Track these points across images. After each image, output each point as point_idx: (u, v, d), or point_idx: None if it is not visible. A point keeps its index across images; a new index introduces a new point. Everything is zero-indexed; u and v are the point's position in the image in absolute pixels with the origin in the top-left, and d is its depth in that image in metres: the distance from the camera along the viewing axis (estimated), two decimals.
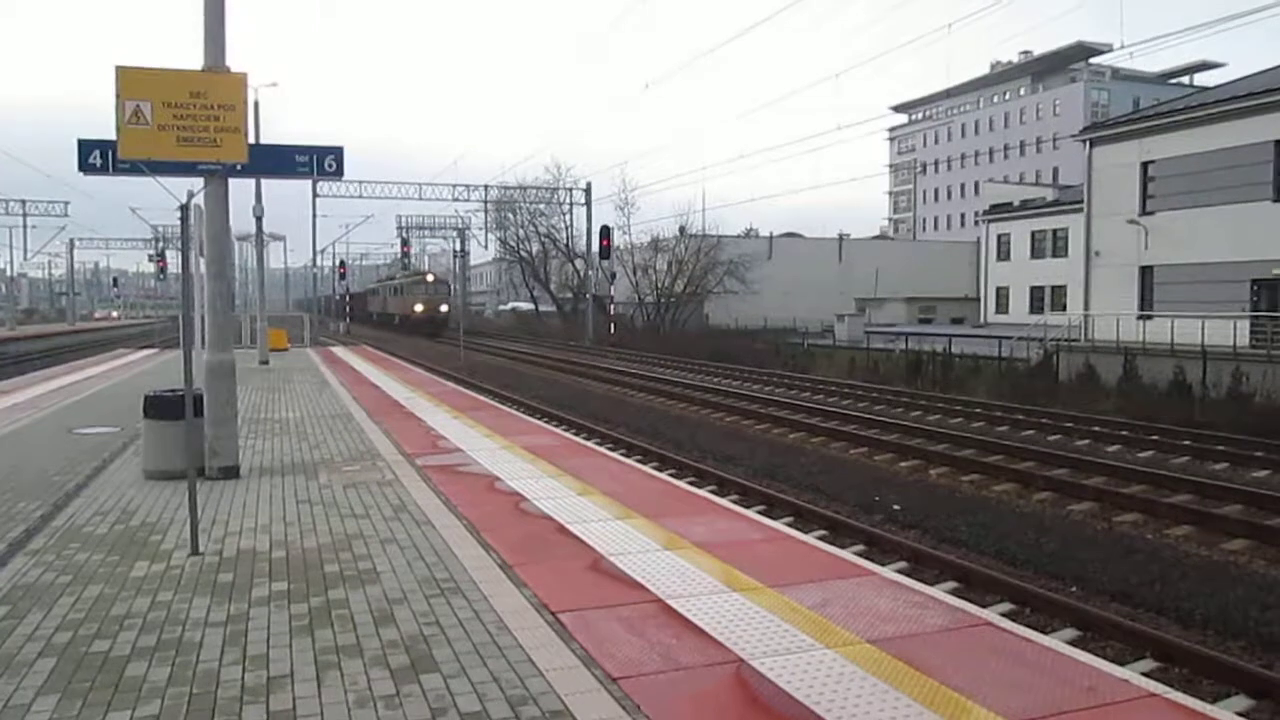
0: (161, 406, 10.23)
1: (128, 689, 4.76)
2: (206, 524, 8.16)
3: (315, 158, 12.30)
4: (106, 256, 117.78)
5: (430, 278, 71.42)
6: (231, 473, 10.46)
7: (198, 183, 10.29)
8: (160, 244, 76.86)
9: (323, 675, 4.93)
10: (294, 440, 13.44)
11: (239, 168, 10.35)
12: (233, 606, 6.05)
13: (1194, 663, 7.01)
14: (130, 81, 9.25)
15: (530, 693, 4.73)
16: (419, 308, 67.09)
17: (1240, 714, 5.72)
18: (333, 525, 8.28)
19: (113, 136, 9.41)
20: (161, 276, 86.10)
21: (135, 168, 9.55)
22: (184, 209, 7.72)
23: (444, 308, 67.90)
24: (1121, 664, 6.17)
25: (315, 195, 56.89)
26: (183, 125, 9.35)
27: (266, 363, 28.93)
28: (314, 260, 71.75)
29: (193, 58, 10.07)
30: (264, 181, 29.78)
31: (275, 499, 9.40)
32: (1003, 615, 6.97)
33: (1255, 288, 31.86)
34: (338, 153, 12.30)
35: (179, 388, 8.91)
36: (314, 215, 57.90)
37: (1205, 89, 50.02)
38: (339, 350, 39.65)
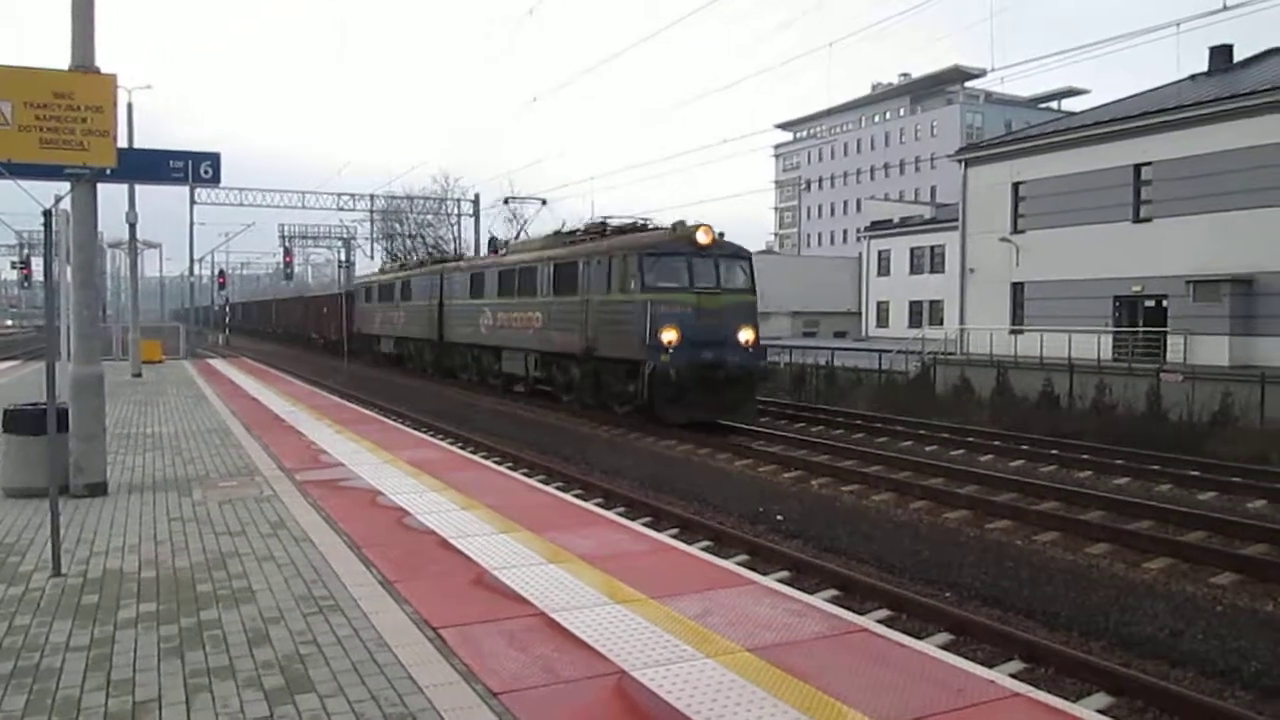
0: (22, 421, 9.79)
1: None
2: (70, 544, 7.82)
3: (191, 163, 11.95)
4: None
5: (704, 236, 20.72)
6: (99, 490, 10.05)
7: (64, 187, 9.88)
8: (25, 250, 73.36)
9: (192, 698, 4.78)
10: (167, 456, 12.99)
11: (109, 172, 9.95)
12: (97, 630, 5.81)
13: (1058, 663, 7.30)
14: None
15: (409, 710, 4.67)
16: (671, 336, 19.52)
17: (1100, 711, 5.97)
18: (206, 543, 8.03)
19: None
20: (26, 285, 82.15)
21: None
22: (48, 215, 7.41)
23: (747, 336, 20.55)
24: (990, 666, 6.40)
25: (193, 202, 54.99)
26: (46, 127, 8.94)
27: (139, 375, 27.95)
28: (191, 269, 69.44)
29: (60, 57, 9.69)
30: (140, 188, 28.81)
31: (145, 517, 9.06)
32: (879, 621, 7.16)
33: (1117, 304, 33.48)
34: (214, 159, 11.97)
35: (42, 401, 8.53)
36: (191, 223, 55.89)
37: (1072, 114, 52.43)
38: (217, 363, 38.46)
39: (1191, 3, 22.21)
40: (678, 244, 20.73)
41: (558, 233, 26.31)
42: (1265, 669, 7.23)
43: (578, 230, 25.40)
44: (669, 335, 19.36)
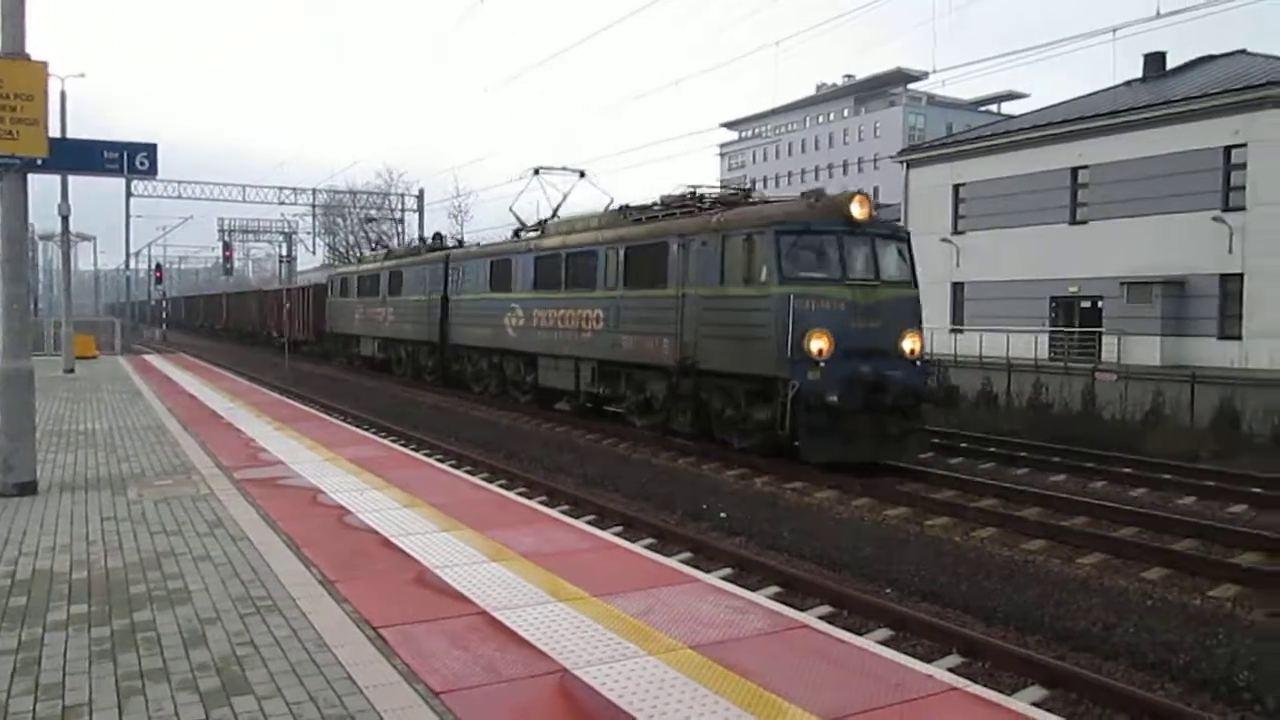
0: None
1: None
2: None
3: (125, 155, 11.68)
4: None
5: (860, 208, 15.32)
6: (29, 489, 9.81)
7: None
8: None
9: (125, 702, 4.68)
10: (101, 453, 12.71)
11: (39, 162, 9.72)
12: (25, 633, 5.67)
13: (995, 657, 7.42)
14: None
15: (349, 711, 4.62)
16: (821, 345, 14.43)
17: (1035, 704, 6.08)
18: (141, 543, 7.87)
19: None
20: None
21: None
22: None
23: (912, 344, 15.45)
24: (929, 660, 6.50)
25: (129, 194, 54.03)
26: None
27: (72, 371, 27.36)
28: (127, 263, 68.10)
29: None
30: (75, 179, 28.29)
31: (77, 516, 8.86)
32: (820, 618, 7.24)
33: (1054, 304, 34.17)
34: (150, 150, 11.71)
35: None
36: (127, 215, 54.91)
37: (1012, 117, 53.34)
38: (154, 359, 37.74)
39: (1127, 9, 22.75)
40: (825, 218, 15.34)
41: (624, 208, 20.74)
42: (1193, 661, 7.42)
43: (653, 204, 19.91)
44: (819, 343, 14.28)
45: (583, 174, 25.65)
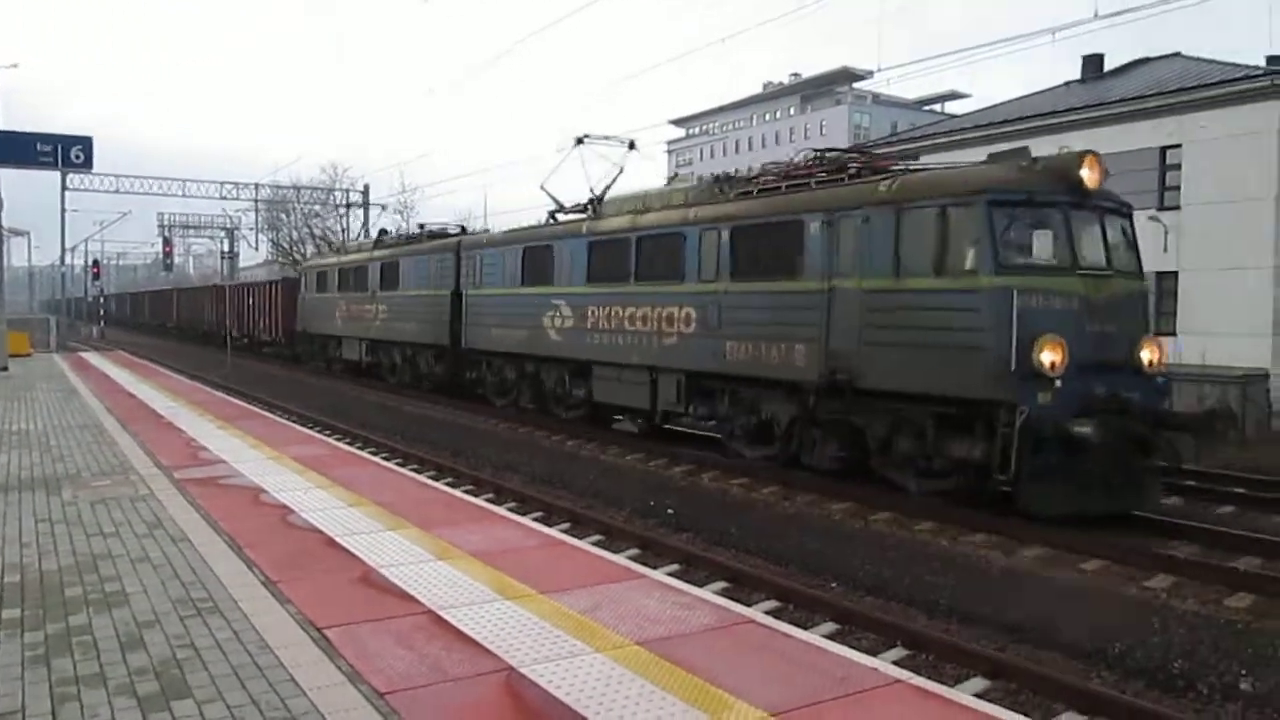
0: None
1: None
2: None
3: (60, 147, 11.49)
4: None
5: (1092, 172, 11.44)
6: None
7: None
8: None
9: (59, 709, 4.58)
10: (35, 453, 12.43)
11: None
12: None
13: (938, 649, 7.54)
14: None
15: (292, 713, 4.57)
16: (1053, 358, 10.65)
17: (977, 694, 6.18)
18: (77, 545, 7.71)
19: None
20: None
21: None
22: None
23: (1150, 353, 11.67)
24: (874, 654, 6.58)
25: (64, 188, 52.64)
26: None
27: (5, 369, 26.71)
28: (62, 259, 66.50)
29: None
30: (8, 172, 27.59)
31: (10, 518, 8.66)
32: (767, 613, 7.28)
33: None
34: (86, 143, 11.53)
35: None
36: (63, 210, 53.43)
37: (954, 116, 54.01)
38: (91, 356, 36.91)
39: (1067, 11, 23.25)
40: (1048, 185, 11.59)
41: (720, 178, 17.21)
42: (1128, 650, 7.59)
43: (762, 176, 15.97)
44: (1051, 355, 10.66)
45: (633, 145, 22.15)
